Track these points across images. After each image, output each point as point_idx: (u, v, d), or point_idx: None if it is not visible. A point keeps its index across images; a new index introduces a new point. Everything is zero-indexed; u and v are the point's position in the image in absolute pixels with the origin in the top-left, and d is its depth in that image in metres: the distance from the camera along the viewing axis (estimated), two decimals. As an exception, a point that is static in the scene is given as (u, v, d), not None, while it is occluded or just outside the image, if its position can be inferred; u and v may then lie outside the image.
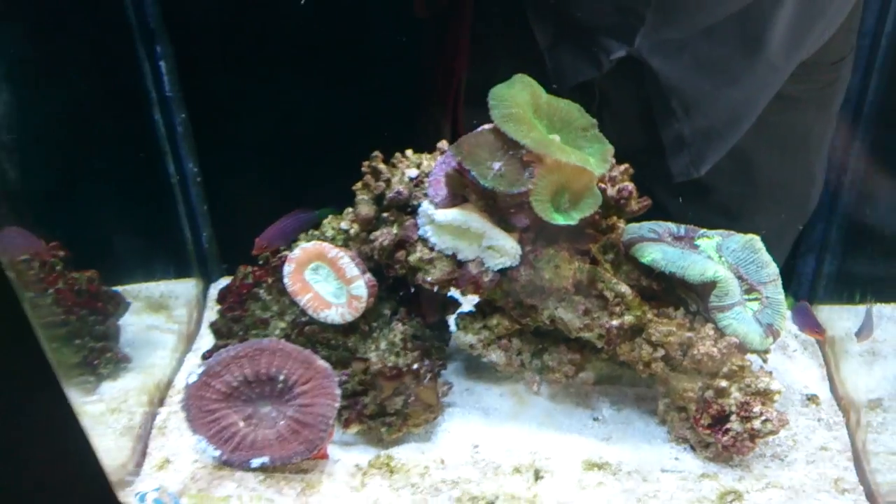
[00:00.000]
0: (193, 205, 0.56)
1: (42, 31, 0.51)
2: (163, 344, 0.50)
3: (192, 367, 0.41)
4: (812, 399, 0.43)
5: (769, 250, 0.42)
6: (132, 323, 0.52)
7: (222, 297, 0.43)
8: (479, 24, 0.54)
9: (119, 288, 0.53)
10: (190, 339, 0.49)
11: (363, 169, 0.41)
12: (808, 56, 0.52)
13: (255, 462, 0.37)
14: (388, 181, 0.39)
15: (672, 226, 0.40)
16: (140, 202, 0.55)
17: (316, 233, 0.41)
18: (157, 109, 0.56)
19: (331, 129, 0.61)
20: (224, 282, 0.50)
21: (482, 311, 0.41)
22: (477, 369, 0.45)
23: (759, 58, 0.51)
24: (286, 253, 0.41)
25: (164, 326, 0.52)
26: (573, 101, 0.40)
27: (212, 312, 0.48)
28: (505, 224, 0.36)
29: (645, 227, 0.39)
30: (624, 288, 0.37)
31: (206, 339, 0.48)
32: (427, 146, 0.44)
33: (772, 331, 0.38)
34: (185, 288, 0.54)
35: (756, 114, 0.54)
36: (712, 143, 0.53)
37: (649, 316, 0.38)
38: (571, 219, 0.35)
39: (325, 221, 0.42)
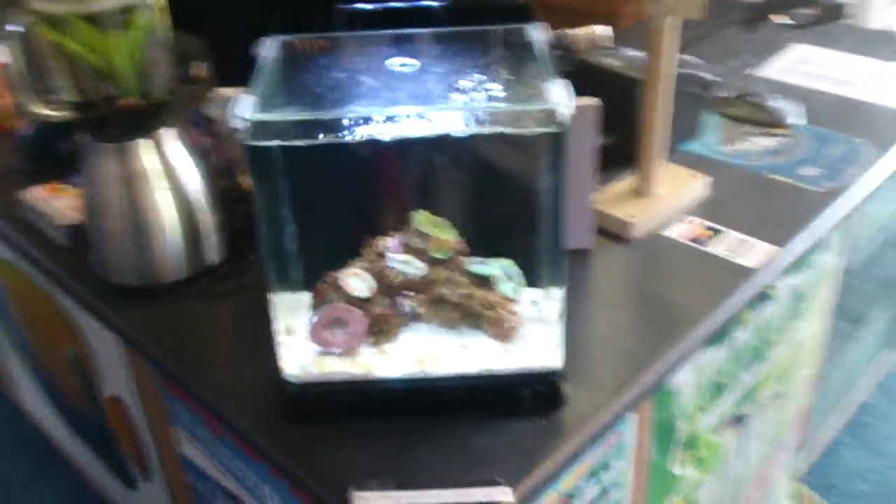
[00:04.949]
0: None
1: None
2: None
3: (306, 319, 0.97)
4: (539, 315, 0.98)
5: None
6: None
7: (314, 293, 1.01)
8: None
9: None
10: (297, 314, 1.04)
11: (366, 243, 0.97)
12: None
13: (335, 350, 0.93)
14: (377, 245, 0.97)
15: (477, 258, 0.93)
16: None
17: (355, 265, 0.98)
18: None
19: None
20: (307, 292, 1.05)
21: (416, 293, 0.98)
22: (415, 319, 1.00)
23: None
24: (342, 273, 0.98)
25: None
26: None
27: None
28: (420, 259, 0.93)
29: (471, 259, 0.96)
30: (465, 280, 0.92)
31: (304, 312, 1.00)
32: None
33: (517, 291, 0.95)
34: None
35: None
36: None
37: (475, 290, 0.94)
38: (444, 255, 0.93)
39: (354, 260, 0.99)
